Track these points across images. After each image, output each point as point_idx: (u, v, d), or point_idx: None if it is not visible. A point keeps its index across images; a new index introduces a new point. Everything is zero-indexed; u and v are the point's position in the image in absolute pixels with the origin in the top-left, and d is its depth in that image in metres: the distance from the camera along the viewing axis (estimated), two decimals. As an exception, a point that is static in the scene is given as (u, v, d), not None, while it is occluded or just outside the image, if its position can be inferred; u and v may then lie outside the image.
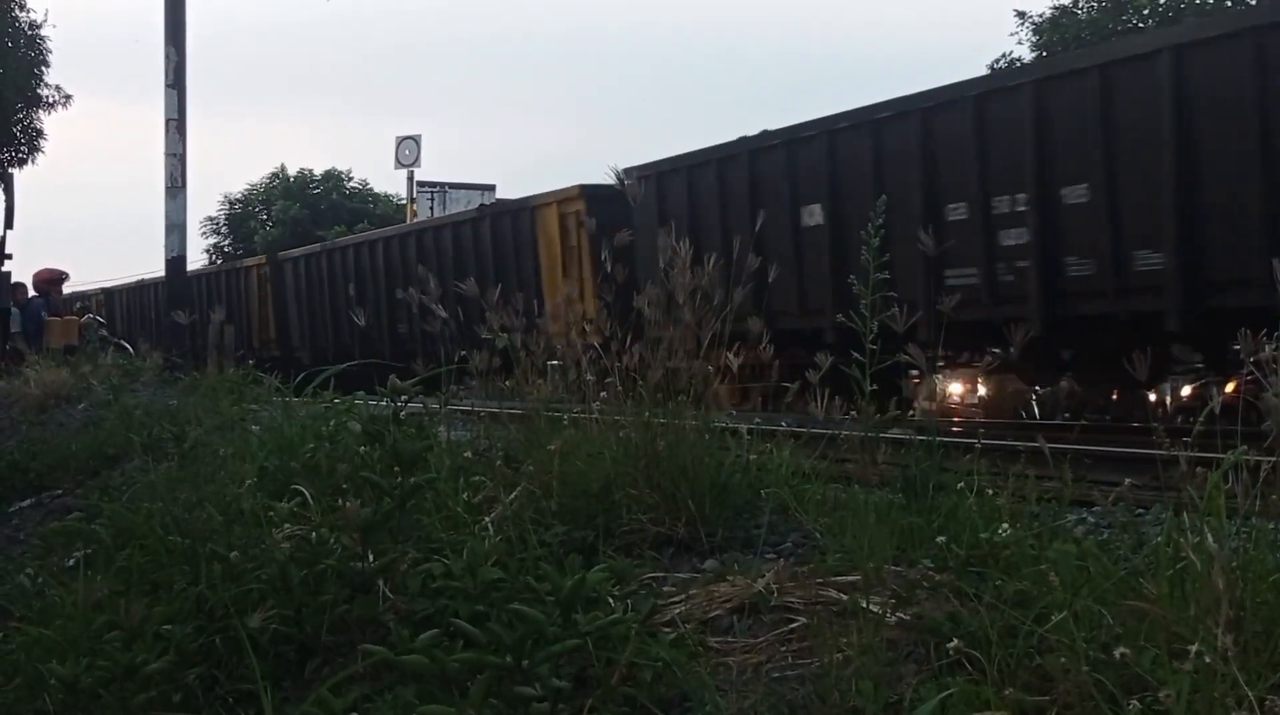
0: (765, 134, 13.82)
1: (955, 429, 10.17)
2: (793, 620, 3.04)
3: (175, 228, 14.61)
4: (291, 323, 25.44)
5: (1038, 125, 10.51)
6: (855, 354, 3.37)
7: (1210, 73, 9.34)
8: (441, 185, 35.24)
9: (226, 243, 49.02)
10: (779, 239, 12.45)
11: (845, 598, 3.03)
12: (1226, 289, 9.30)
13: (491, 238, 18.60)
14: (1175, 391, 13.43)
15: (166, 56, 14.34)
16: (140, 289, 32.16)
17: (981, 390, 14.45)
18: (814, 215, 12.62)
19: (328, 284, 23.78)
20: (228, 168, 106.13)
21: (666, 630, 3.08)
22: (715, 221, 13.65)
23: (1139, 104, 9.78)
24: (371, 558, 3.66)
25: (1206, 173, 9.39)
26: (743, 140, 14.07)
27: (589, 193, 16.22)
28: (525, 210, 18.12)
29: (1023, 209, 10.65)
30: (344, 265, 23.33)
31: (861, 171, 12.03)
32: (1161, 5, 31.93)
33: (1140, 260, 9.82)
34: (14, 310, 17.70)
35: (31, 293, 18.49)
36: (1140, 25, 30.90)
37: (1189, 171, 9.44)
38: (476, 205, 22.63)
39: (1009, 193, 10.77)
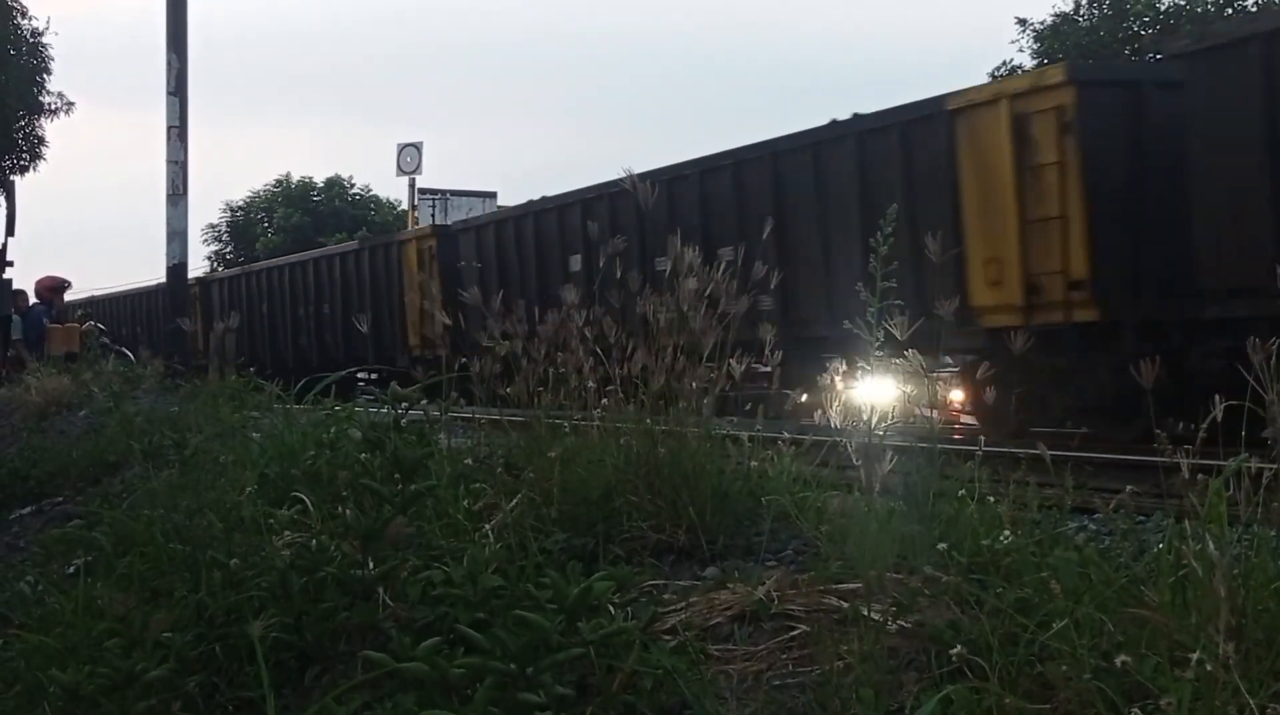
0: (545, 199, 18.28)
1: (957, 436, 10.31)
2: (793, 628, 3.04)
3: (176, 235, 14.59)
4: (215, 335, 26.55)
5: (702, 201, 14.49)
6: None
7: (794, 172, 13.25)
8: (443, 192, 35.29)
9: (228, 250, 49.08)
10: (554, 280, 16.08)
11: (846, 605, 3.02)
12: (809, 323, 12.48)
13: (369, 266, 22.32)
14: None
15: (168, 63, 14.33)
16: (89, 305, 32.61)
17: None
18: (576, 263, 16.54)
19: (245, 302, 26.39)
20: (231, 175, 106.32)
21: (667, 638, 3.08)
22: (515, 263, 18.29)
23: (757, 191, 13.73)
24: (372, 565, 3.65)
25: (796, 245, 12.89)
26: (530, 203, 18.70)
27: (440, 232, 21.36)
28: (393, 244, 22.15)
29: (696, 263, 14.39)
30: (259, 286, 26.39)
31: (603, 229, 14.69)
32: (1162, 13, 31.98)
33: (761, 303, 12.92)
34: (15, 317, 17.72)
35: (33, 300, 18.52)
36: (1142, 33, 30.95)
37: (784, 240, 12.60)
38: (477, 212, 23.68)
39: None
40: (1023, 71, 10.41)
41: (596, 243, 16.34)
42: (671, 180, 14.39)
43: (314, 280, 24.03)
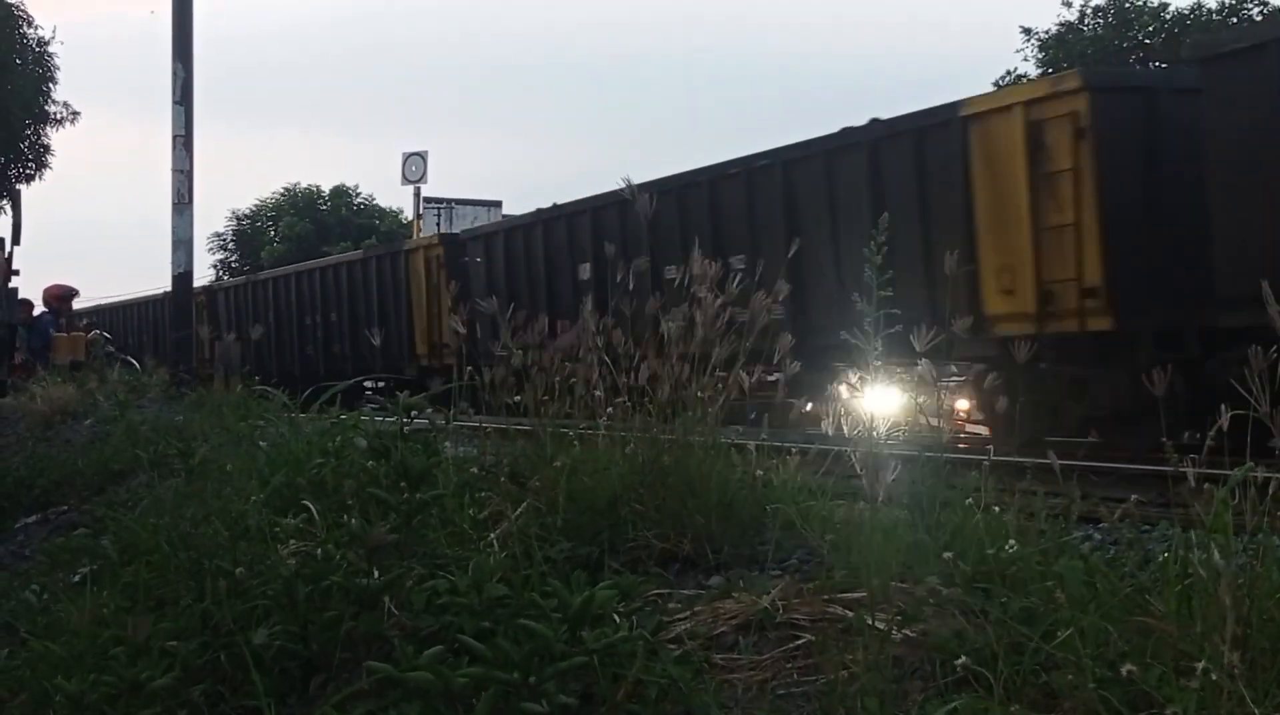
0: (289, 267, 25.96)
1: (962, 446, 10.26)
2: (798, 637, 3.04)
3: (182, 244, 14.58)
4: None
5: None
6: None
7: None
8: (448, 201, 35.29)
9: (234, 258, 49.14)
10: (307, 324, 24.22)
11: (851, 614, 3.02)
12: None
13: (156, 315, 30.44)
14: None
15: (174, 73, 14.34)
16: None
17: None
18: (311, 317, 23.33)
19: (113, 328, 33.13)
20: (237, 184, 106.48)
21: (672, 647, 3.08)
22: (271, 313, 24.67)
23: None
24: (377, 574, 3.65)
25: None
26: (287, 267, 25.76)
27: (210, 290, 28.52)
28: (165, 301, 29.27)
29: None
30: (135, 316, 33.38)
31: (327, 291, 23.37)
32: (1166, 21, 31.99)
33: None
34: (19, 328, 17.74)
35: (41, 308, 18.54)
36: (1146, 41, 30.96)
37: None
38: (481, 222, 24.02)
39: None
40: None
41: (320, 301, 24.51)
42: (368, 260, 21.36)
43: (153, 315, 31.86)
